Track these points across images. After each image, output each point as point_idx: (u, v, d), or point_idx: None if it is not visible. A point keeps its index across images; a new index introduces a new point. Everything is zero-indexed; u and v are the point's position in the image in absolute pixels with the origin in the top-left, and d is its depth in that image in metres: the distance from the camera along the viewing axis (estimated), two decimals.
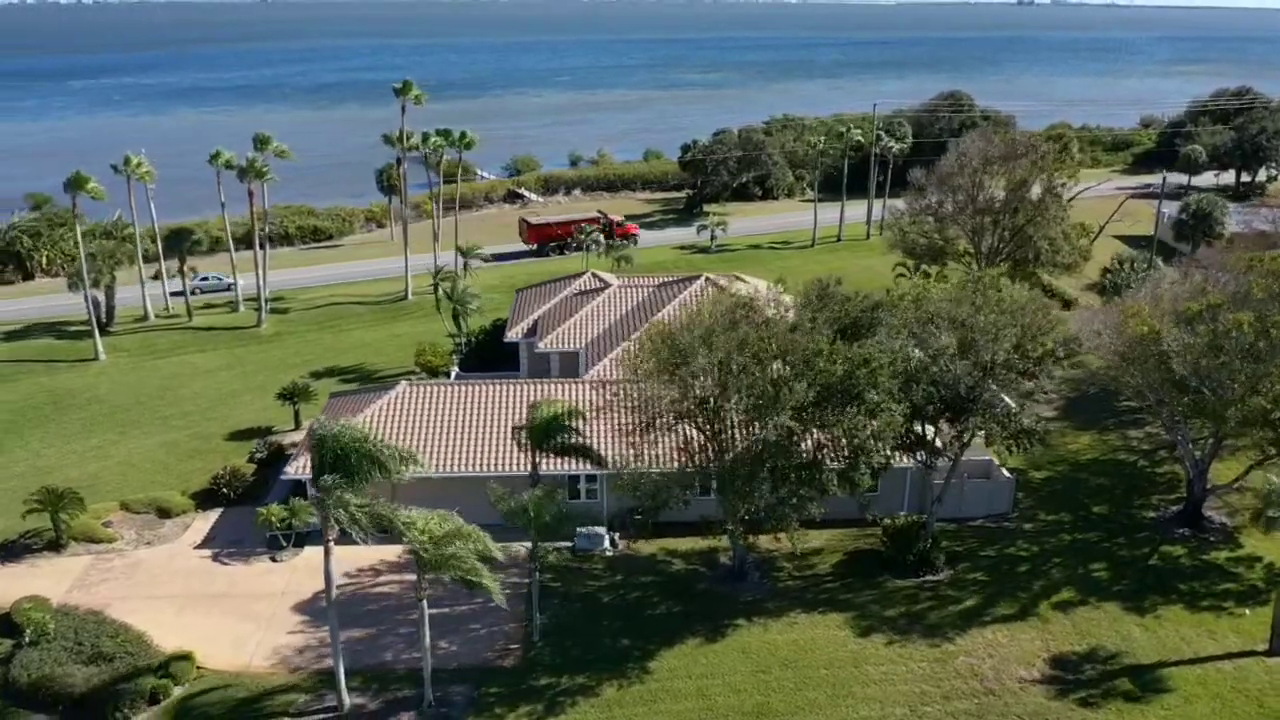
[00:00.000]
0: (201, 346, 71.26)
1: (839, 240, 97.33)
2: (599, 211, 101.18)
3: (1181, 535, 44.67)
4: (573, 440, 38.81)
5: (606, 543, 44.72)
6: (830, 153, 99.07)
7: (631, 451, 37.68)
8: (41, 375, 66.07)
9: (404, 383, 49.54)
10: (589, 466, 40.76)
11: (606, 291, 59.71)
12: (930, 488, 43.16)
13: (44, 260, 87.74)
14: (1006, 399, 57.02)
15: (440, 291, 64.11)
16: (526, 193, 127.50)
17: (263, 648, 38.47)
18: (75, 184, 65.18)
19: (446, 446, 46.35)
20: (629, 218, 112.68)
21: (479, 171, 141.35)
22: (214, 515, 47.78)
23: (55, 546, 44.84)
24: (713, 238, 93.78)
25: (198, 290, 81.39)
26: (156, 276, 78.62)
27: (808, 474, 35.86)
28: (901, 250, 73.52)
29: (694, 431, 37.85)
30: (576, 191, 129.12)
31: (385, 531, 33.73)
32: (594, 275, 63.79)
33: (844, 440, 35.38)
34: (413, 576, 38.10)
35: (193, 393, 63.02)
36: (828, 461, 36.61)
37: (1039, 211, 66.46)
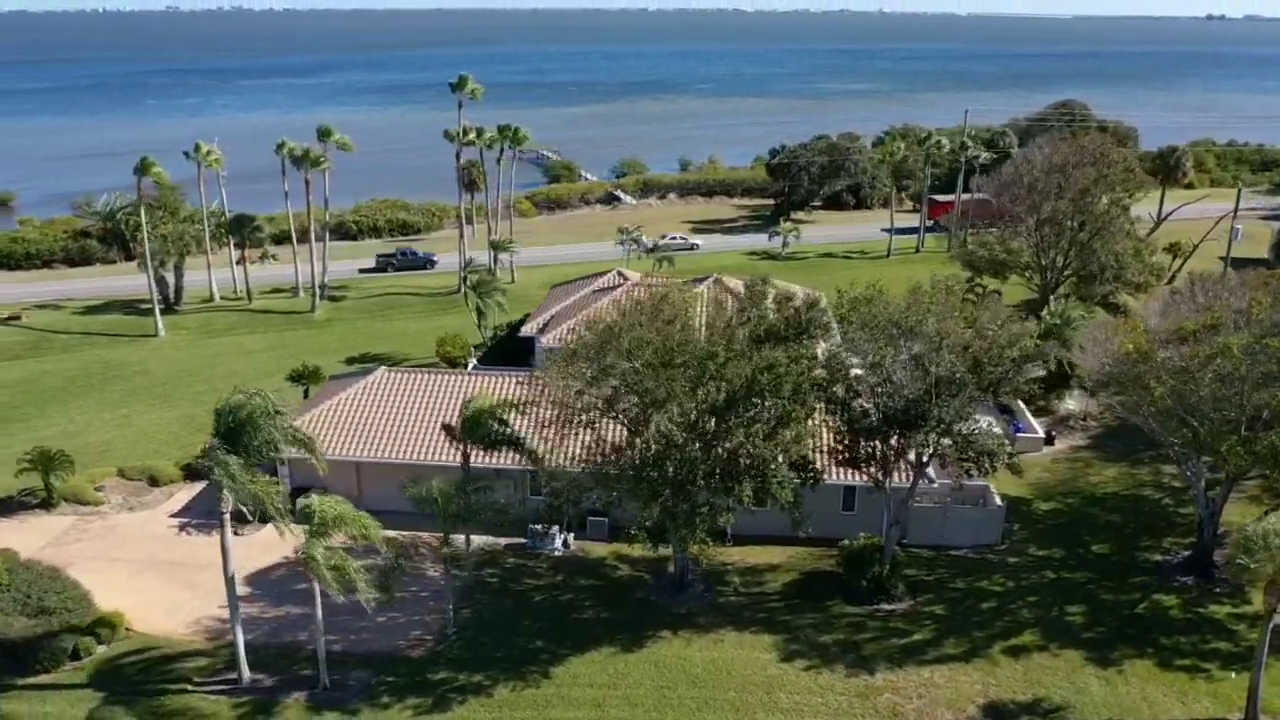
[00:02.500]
0: (254, 328, 74.07)
1: (917, 251, 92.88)
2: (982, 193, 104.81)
3: (1182, 583, 40.02)
4: (503, 433, 38.07)
5: (558, 542, 43.65)
6: (909, 161, 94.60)
7: (546, 446, 36.48)
8: (103, 348, 70.04)
9: (382, 368, 49.86)
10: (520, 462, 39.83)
11: (619, 290, 58.58)
12: (887, 509, 40.03)
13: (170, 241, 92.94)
14: (1030, 418, 53.19)
15: (467, 285, 64.31)
16: (623, 195, 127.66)
17: (192, 616, 39.30)
18: (141, 169, 68.80)
19: (414, 434, 46.28)
20: (716, 222, 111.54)
21: (583, 173, 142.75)
22: (199, 487, 49.15)
23: (47, 505, 47.14)
24: (784, 244, 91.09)
25: (661, 249, 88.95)
26: (263, 257, 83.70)
27: (719, 483, 33.76)
28: (962, 263, 69.49)
29: (616, 430, 36.34)
30: (672, 195, 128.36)
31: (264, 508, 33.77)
32: (618, 274, 62.82)
33: (747, 449, 33.01)
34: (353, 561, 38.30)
35: (230, 371, 65.28)
36: (744, 471, 34.28)
37: (1104, 224, 61.36)
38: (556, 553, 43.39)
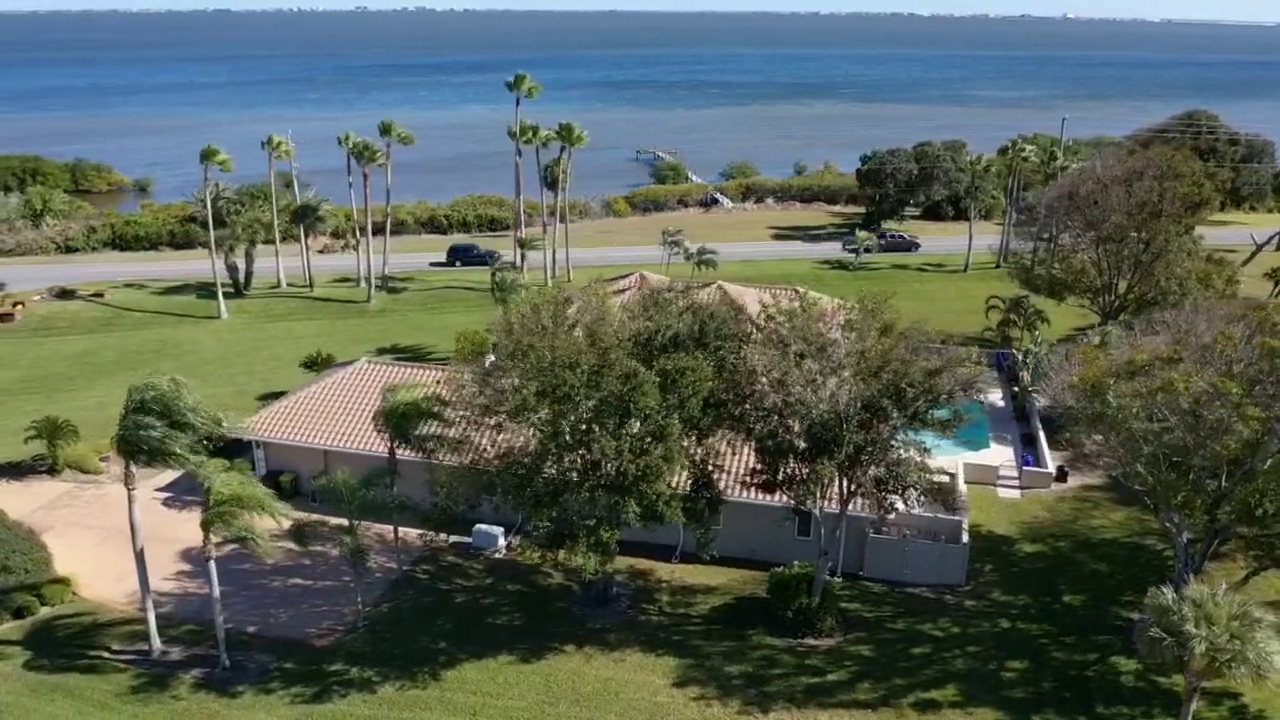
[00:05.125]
0: (309, 315, 76.72)
1: (998, 266, 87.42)
2: None
3: None
4: (415, 430, 37.90)
5: (500, 544, 43.17)
6: (989, 171, 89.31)
7: (448, 447, 36.03)
8: (167, 327, 74.03)
9: (363, 359, 50.59)
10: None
11: (630, 291, 57.59)
12: (818, 538, 37.54)
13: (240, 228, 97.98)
14: (1047, 451, 49.17)
15: (493, 281, 64.67)
16: (721, 198, 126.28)
17: (134, 586, 40.50)
18: (206, 156, 72.33)
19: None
20: (801, 229, 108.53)
21: (690, 174, 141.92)
22: None
23: (53, 471, 50.11)
24: (857, 255, 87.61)
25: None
26: (346, 247, 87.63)
27: (604, 498, 32.45)
28: (1021, 282, 65.03)
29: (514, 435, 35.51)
30: (769, 200, 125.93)
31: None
32: (640, 276, 61.87)
33: (623, 465, 31.46)
34: (296, 546, 39.13)
35: (271, 354, 67.95)
36: (629, 488, 32.76)
37: (1164, 245, 56.07)
38: (497, 555, 42.95)
